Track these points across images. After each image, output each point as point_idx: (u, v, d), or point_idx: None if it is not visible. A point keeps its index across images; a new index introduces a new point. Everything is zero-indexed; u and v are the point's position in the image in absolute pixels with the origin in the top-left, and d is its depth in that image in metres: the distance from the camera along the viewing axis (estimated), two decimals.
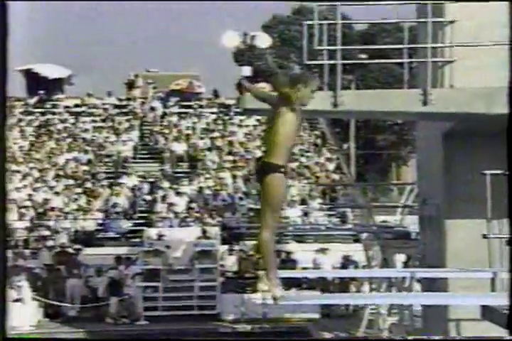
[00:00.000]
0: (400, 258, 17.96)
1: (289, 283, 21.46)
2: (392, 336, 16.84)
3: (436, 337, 9.08)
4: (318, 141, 30.44)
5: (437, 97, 12.45)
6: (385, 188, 27.95)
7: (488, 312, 10.09)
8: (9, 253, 23.56)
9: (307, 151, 29.78)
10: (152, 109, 32.78)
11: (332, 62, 12.67)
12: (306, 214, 25.66)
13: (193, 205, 25.83)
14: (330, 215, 25.78)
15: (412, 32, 14.23)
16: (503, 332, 9.60)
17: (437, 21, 12.86)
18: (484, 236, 10.69)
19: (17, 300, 21.66)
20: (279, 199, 6.30)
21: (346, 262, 22.62)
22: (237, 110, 29.83)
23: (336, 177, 27.97)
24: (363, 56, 26.86)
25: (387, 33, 36.10)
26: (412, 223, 17.60)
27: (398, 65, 13.13)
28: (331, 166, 28.59)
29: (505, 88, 12.08)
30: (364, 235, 19.91)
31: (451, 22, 12.95)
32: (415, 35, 14.66)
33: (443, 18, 12.98)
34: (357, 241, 22.44)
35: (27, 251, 23.71)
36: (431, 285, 14.34)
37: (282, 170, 6.27)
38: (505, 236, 10.37)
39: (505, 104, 12.08)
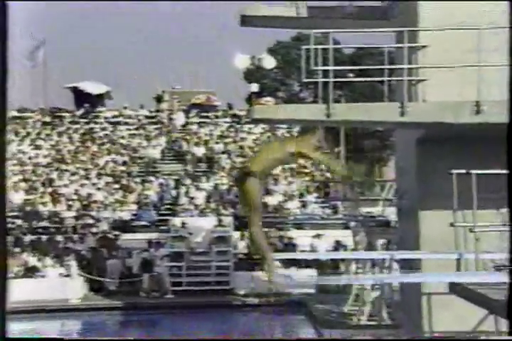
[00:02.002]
0: (381, 242, 17.91)
1: (289, 263, 21.49)
2: (375, 308, 16.78)
3: (437, 337, 8.98)
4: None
5: (412, 109, 12.42)
6: (369, 184, 27.87)
7: (454, 287, 10.05)
8: (60, 238, 23.59)
9: None
10: (176, 119, 32.74)
11: (325, 80, 12.65)
12: (303, 206, 25.60)
13: (211, 199, 25.79)
14: (324, 207, 25.70)
15: (391, 55, 14.19)
16: (466, 303, 9.57)
17: (412, 46, 12.83)
18: (451, 225, 10.63)
19: (67, 276, 21.71)
20: (256, 200, 6.17)
21: (337, 246, 22.58)
22: (247, 120, 29.84)
23: (329, 175, 27.90)
24: (351, 75, 26.79)
25: (371, 56, 36.01)
26: (391, 213, 17.55)
27: (380, 83, 13.11)
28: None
29: (469, 102, 12.09)
30: (352, 223, 19.89)
31: (424, 46, 12.92)
32: (393, 58, 14.62)
33: (416, 44, 12.95)
34: (346, 228, 22.38)
35: (75, 236, 23.72)
36: (407, 265, 14.30)
37: (256, 174, 6.10)
38: (468, 224, 10.34)
39: (469, 114, 12.08)
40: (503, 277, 8.31)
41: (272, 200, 25.64)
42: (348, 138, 33.94)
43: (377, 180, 28.50)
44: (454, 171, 10.37)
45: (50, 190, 26.16)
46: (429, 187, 13.49)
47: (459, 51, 12.39)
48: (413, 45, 12.84)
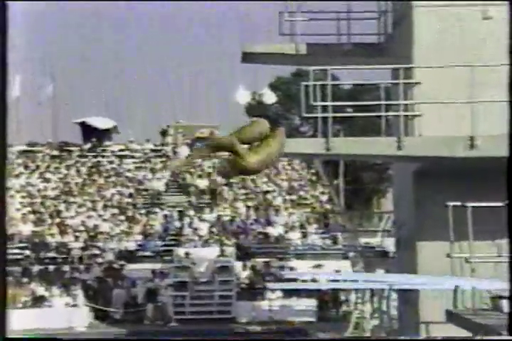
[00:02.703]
0: (380, 272, 17.81)
1: (290, 293, 21.36)
2: (374, 336, 16.64)
3: (438, 338, 8.92)
4: (314, 178, 30.35)
5: (408, 143, 12.45)
6: (367, 216, 27.83)
7: (451, 317, 9.98)
8: (67, 268, 23.47)
9: (305, 186, 29.68)
10: (181, 152, 32.80)
11: (324, 115, 12.71)
12: (304, 236, 25.50)
13: (214, 229, 25.72)
14: (324, 237, 25.58)
15: (387, 91, 14.27)
16: (464, 333, 9.49)
17: (407, 83, 12.90)
18: (448, 256, 10.59)
19: (73, 305, 21.56)
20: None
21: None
22: None
23: (328, 207, 27.86)
24: (350, 110, 26.93)
25: (368, 91, 36.20)
26: (389, 244, 17.48)
27: (377, 117, 13.18)
28: (324, 198, 28.46)
29: (463, 136, 12.11)
30: (351, 254, 19.82)
31: (418, 83, 12.99)
32: (390, 94, 14.70)
33: (411, 80, 13.02)
34: (346, 258, 22.29)
35: (81, 266, 23.60)
36: (405, 294, 14.20)
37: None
38: (464, 255, 10.29)
39: (463, 149, 12.09)
40: (503, 284, 8.19)
41: (273, 231, 25.55)
42: (347, 170, 33.98)
43: (375, 212, 28.50)
44: (450, 203, 10.35)
45: (57, 221, 26.10)
46: (426, 218, 13.45)
47: (453, 86, 12.45)
48: (408, 81, 12.92)
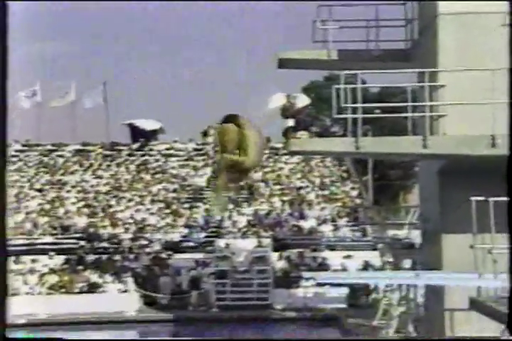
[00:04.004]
0: (407, 263, 17.67)
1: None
2: (401, 322, 16.50)
3: (437, 337, 8.81)
4: (344, 175, 30.23)
5: (433, 142, 12.37)
6: (395, 210, 27.63)
7: (474, 305, 9.89)
8: (118, 257, 23.72)
9: (336, 182, 29.59)
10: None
11: (354, 116, 12.68)
12: (335, 229, 25.44)
13: (251, 222, 25.78)
14: (353, 230, 25.51)
15: (413, 93, 14.18)
16: (486, 320, 9.39)
17: (432, 85, 12.81)
18: (471, 247, 10.49)
19: (124, 291, 21.81)
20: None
21: (366, 265, 22.36)
22: (284, 151, 29.85)
23: (358, 201, 27.73)
24: (378, 111, 26.71)
25: (396, 94, 35.87)
26: (416, 236, 17.34)
27: (404, 118, 13.10)
28: (354, 193, 28.34)
29: (485, 135, 11.99)
30: (380, 245, 19.68)
31: (442, 86, 12.89)
32: (416, 96, 14.60)
33: (436, 83, 12.93)
34: (374, 249, 22.17)
35: (131, 256, 23.85)
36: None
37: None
38: (486, 246, 10.19)
39: (485, 147, 11.98)
40: None
41: (307, 224, 25.53)
42: (375, 167, 33.65)
43: (402, 206, 28.28)
44: (473, 198, 10.25)
45: (109, 214, 26.41)
46: (450, 212, 13.35)
47: (475, 89, 12.34)
48: (433, 84, 12.82)
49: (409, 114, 13.10)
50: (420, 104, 13.23)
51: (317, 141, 16.22)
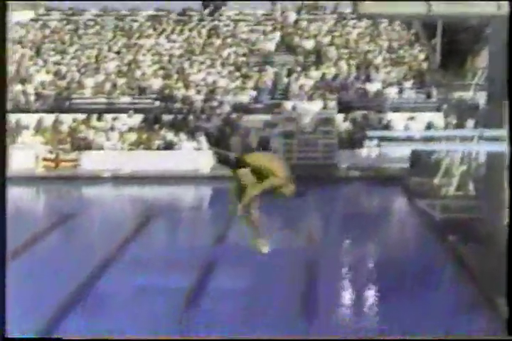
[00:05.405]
0: (470, 123, 17.32)
1: (387, 142, 21.22)
2: (462, 181, 16.42)
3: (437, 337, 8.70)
4: (413, 38, 29.07)
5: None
6: (461, 72, 26.66)
7: None
8: (191, 118, 24.04)
9: (404, 45, 28.54)
10: (289, 16, 31.90)
11: None
12: (400, 91, 24.91)
13: (318, 85, 25.47)
14: (419, 92, 24.90)
15: None
16: None
17: None
18: None
19: (198, 149, 22.37)
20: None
21: (430, 126, 22.04)
22: (353, 16, 28.76)
23: (425, 64, 26.87)
24: None
25: None
26: (481, 97, 16.84)
27: None
28: (422, 56, 27.40)
29: None
30: (444, 106, 19.26)
31: None
32: None
33: None
34: (438, 110, 21.72)
35: (203, 116, 24.19)
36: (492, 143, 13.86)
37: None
38: None
39: None
40: None
41: (372, 87, 25.05)
42: (444, 31, 32.20)
43: (469, 68, 27.23)
44: None
45: (182, 77, 26.51)
46: None
47: None
48: None
49: None
50: None
51: (386, 3, 15.41)
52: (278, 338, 7.68)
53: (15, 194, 20.11)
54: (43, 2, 31.93)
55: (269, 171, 5.67)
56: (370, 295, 11.44)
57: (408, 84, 25.17)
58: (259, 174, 5.66)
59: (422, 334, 9.43)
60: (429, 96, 24.30)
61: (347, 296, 11.43)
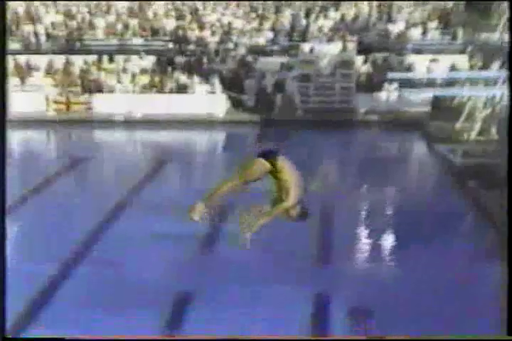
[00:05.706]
0: (495, 65, 16.69)
1: (407, 85, 20.66)
2: (485, 125, 15.98)
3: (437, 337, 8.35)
4: None
5: None
6: (488, 12, 25.73)
7: None
8: (205, 60, 23.47)
9: None
10: None
11: None
12: (424, 32, 24.09)
13: (337, 27, 24.70)
14: (443, 33, 24.05)
15: None
16: None
17: None
18: None
19: (212, 93, 21.94)
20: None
21: (453, 69, 21.35)
22: None
23: (450, 3, 25.82)
24: None
25: None
26: (507, 38, 16.14)
27: None
28: None
29: None
30: (469, 48, 18.58)
31: None
32: None
33: None
34: (463, 53, 21.00)
35: (217, 59, 23.64)
36: None
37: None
38: None
39: None
40: None
41: (394, 28, 24.25)
42: None
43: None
44: None
45: (196, 17, 25.81)
46: None
47: None
48: None
49: None
50: None
51: None
52: (278, 338, 7.65)
53: (25, 137, 19.94)
54: None
55: (287, 191, 5.46)
56: (388, 241, 11.25)
57: (432, 24, 24.33)
58: (278, 187, 5.51)
59: (435, 285, 9.27)
60: (454, 37, 23.46)
61: (363, 243, 11.25)
